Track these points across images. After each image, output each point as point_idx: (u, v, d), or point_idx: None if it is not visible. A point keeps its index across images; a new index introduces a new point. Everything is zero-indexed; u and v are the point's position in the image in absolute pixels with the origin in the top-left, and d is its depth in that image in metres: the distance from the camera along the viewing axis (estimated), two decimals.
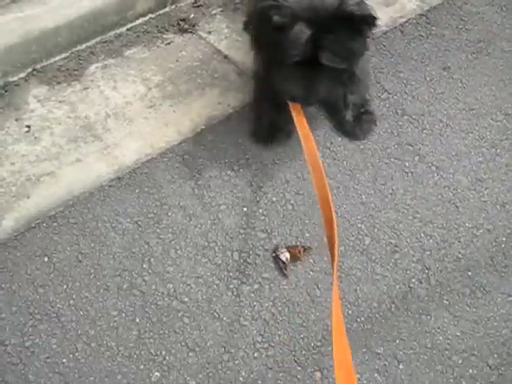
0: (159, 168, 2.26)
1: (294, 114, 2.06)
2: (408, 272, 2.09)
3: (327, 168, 2.30)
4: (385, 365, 1.91)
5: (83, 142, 2.29)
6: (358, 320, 1.99)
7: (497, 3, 2.93)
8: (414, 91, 2.56)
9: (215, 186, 2.22)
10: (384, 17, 2.78)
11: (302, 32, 1.82)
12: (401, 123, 2.46)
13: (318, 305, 2.01)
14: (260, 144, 2.34)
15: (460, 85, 2.60)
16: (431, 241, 2.16)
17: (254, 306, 1.99)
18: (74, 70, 2.47)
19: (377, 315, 2.00)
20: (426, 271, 2.10)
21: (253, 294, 2.02)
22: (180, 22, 2.65)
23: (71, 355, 1.86)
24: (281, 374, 1.87)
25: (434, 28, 2.79)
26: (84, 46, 2.52)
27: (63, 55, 2.47)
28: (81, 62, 2.50)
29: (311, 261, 2.10)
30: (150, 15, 2.65)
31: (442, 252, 2.13)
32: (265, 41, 1.93)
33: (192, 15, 2.69)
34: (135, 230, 2.11)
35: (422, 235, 2.18)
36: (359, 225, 2.18)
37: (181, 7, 2.71)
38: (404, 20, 2.79)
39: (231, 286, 2.02)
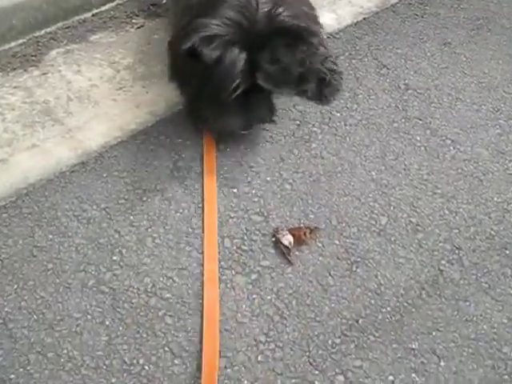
0: (130, 151, 1.85)
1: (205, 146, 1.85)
2: (435, 253, 1.68)
3: (327, 144, 1.93)
4: (422, 362, 1.46)
5: (41, 127, 1.88)
6: (383, 310, 1.55)
7: None
8: (415, 66, 2.22)
9: (198, 166, 1.83)
10: None
11: (238, 58, 1.56)
12: (405, 97, 2.11)
13: (333, 295, 1.57)
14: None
15: (464, 59, 2.28)
16: (457, 218, 1.77)
17: (254, 299, 1.55)
18: (32, 56, 2.08)
19: (405, 304, 1.57)
20: (457, 251, 1.69)
21: (251, 286, 1.58)
22: (151, 7, 2.33)
23: (22, 369, 1.37)
24: (294, 381, 1.42)
25: (427, 8, 2.49)
26: (43, 31, 2.15)
27: (20, 41, 2.10)
28: (39, 48, 2.12)
29: (319, 244, 1.68)
30: (118, 1, 2.32)
31: (472, 230, 1.73)
32: (195, 80, 1.65)
33: (164, 0, 2.39)
34: (103, 218, 1.68)
35: (447, 212, 1.79)
36: (372, 203, 1.79)
37: None
38: (395, 1, 2.50)
39: (223, 278, 1.58)
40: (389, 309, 1.56)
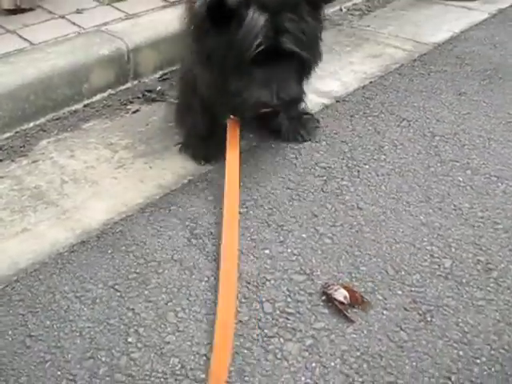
0: (138, 224, 1.59)
1: (229, 138, 1.70)
2: None
3: (362, 195, 1.70)
4: None
5: (32, 211, 1.63)
6: (479, 361, 1.22)
7: (488, 42, 2.64)
8: (435, 116, 2.06)
9: (219, 232, 1.58)
10: (375, 65, 2.42)
11: (259, 15, 1.46)
12: (434, 143, 1.93)
13: (411, 351, 1.24)
14: (195, 160, 1.86)
15: (484, 105, 2.14)
16: None
17: (314, 368, 1.21)
18: (20, 147, 1.89)
19: (502, 351, 1.25)
20: None
21: (307, 353, 1.25)
22: (146, 93, 2.19)
23: None
24: None
25: (432, 67, 2.41)
26: (32, 124, 1.98)
27: (6, 134, 1.91)
28: (28, 139, 1.93)
29: (379, 297, 1.37)
30: (110, 91, 2.18)
31: None
32: (215, 41, 1.52)
33: (159, 87, 2.26)
34: (111, 296, 1.37)
35: None
36: (429, 247, 1.51)
37: (145, 82, 2.26)
38: (398, 65, 2.41)
39: (271, 347, 1.26)
40: (484, 359, 1.23)
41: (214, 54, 1.56)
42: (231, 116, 1.76)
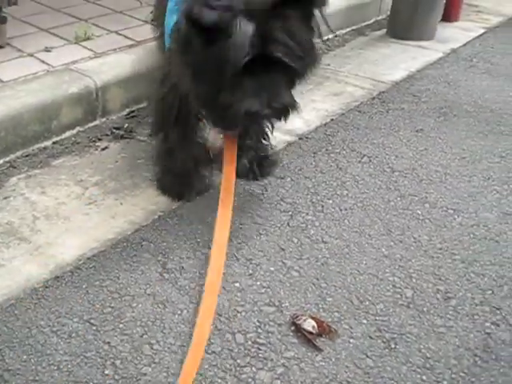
0: (111, 259, 1.65)
1: (226, 155, 1.76)
2: (476, 317, 1.50)
3: (327, 229, 1.80)
4: None
5: (5, 247, 1.66)
6: None
7: (442, 81, 2.83)
8: (394, 152, 2.21)
9: (190, 266, 1.63)
10: (336, 103, 2.57)
11: (245, 25, 1.47)
12: (394, 178, 2.06)
13: (377, 377, 1.33)
14: (169, 197, 1.93)
15: (440, 141, 2.30)
16: (486, 279, 1.62)
17: None
18: None
19: (462, 374, 1.35)
20: (498, 311, 1.51)
21: (279, 381, 1.31)
22: (114, 131, 2.27)
23: None
24: None
25: (390, 104, 2.57)
26: (1, 160, 2.02)
27: None
28: None
29: (346, 326, 1.47)
30: (79, 128, 2.24)
31: (506, 288, 1.58)
32: (199, 55, 1.53)
33: (127, 125, 2.33)
34: (87, 330, 1.42)
35: (473, 275, 1.64)
36: (391, 278, 1.62)
37: (113, 119, 2.33)
38: (358, 103, 2.56)
39: (243, 377, 1.32)
40: (445, 383, 1.33)
41: (201, 66, 1.57)
42: (224, 131, 1.80)
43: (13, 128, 2.05)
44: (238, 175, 1.97)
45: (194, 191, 1.93)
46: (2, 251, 1.67)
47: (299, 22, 1.57)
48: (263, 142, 2.07)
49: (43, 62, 2.39)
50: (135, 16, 2.90)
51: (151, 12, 2.78)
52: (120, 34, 2.68)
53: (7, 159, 2.06)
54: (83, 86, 2.23)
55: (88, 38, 2.57)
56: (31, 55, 2.43)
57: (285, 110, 1.63)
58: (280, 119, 1.68)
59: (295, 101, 1.65)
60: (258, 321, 1.48)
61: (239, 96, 1.55)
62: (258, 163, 2.06)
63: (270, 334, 1.44)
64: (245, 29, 1.49)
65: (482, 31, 3.66)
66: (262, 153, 2.08)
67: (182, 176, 1.93)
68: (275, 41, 1.52)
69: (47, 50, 2.46)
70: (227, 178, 1.75)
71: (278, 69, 1.56)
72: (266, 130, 2.04)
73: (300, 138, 2.30)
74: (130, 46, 2.57)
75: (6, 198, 1.90)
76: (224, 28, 1.48)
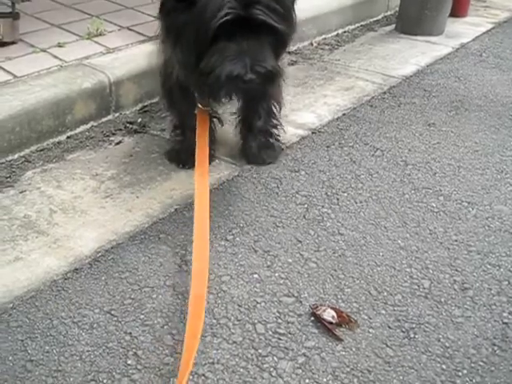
0: (130, 251, 1.66)
1: (198, 129, 1.78)
2: (493, 307, 1.51)
3: (343, 221, 1.81)
4: None
5: (23, 240, 1.68)
6: (460, 374, 1.33)
7: (453, 75, 2.84)
8: (407, 145, 2.22)
9: (209, 258, 1.66)
10: (347, 98, 2.58)
11: None
12: (407, 172, 2.07)
13: (397, 366, 1.34)
14: (174, 164, 2.07)
15: (452, 135, 2.32)
16: (502, 270, 1.63)
17: None
18: (6, 178, 1.95)
19: (481, 363, 1.36)
20: None
21: (300, 370, 1.33)
22: (128, 125, 2.28)
23: None
24: None
25: (401, 99, 2.58)
26: (17, 155, 2.04)
27: None
28: (14, 170, 1.99)
29: (365, 316, 1.48)
30: (93, 123, 2.26)
31: None
32: (181, 19, 1.54)
33: (140, 119, 2.35)
34: (108, 321, 1.43)
35: (489, 266, 1.65)
36: (408, 269, 1.63)
37: (126, 114, 2.35)
38: (369, 98, 2.57)
39: (265, 366, 1.34)
40: (465, 371, 1.34)
41: (182, 31, 1.57)
42: (200, 106, 1.82)
43: (28, 123, 2.06)
44: (248, 160, 2.09)
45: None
46: (21, 244, 1.69)
47: None
48: (271, 124, 2.08)
49: (56, 57, 2.40)
50: (146, 12, 2.92)
51: None
52: (132, 30, 2.70)
53: (22, 154, 2.08)
54: (97, 81, 2.25)
55: (100, 34, 2.59)
56: (44, 51, 2.45)
57: (269, 74, 1.60)
58: (263, 84, 1.64)
59: (279, 66, 1.65)
60: (278, 311, 1.49)
61: (220, 60, 1.54)
62: (266, 148, 2.09)
63: (290, 325, 1.46)
64: None
65: (491, 26, 3.67)
66: (269, 138, 2.10)
67: (186, 146, 2.00)
68: (258, 3, 1.51)
69: (60, 45, 2.48)
70: (201, 149, 1.74)
71: (262, 32, 1.55)
72: (274, 109, 2.06)
73: (313, 132, 2.31)
74: (142, 42, 2.59)
75: (22, 191, 1.91)
76: None
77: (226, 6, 1.47)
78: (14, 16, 2.46)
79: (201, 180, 1.66)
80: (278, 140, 2.14)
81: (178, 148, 2.07)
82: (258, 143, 2.08)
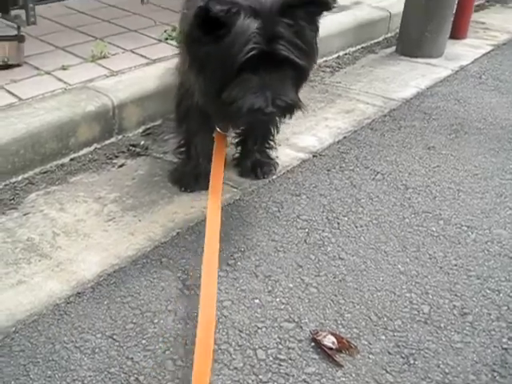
0: (132, 276, 1.68)
1: (215, 155, 1.82)
2: (493, 333, 1.52)
3: (343, 246, 1.83)
4: None
5: (26, 263, 1.70)
6: None
7: (452, 98, 2.88)
8: (407, 169, 2.25)
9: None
10: (348, 121, 2.61)
11: (250, 21, 1.53)
12: (408, 195, 2.09)
13: None
14: (177, 186, 2.09)
15: (452, 158, 2.35)
16: (501, 295, 1.65)
17: None
18: (10, 200, 1.97)
19: None
20: None
21: None
22: (130, 148, 2.31)
23: None
24: None
25: (402, 122, 2.62)
26: (20, 177, 2.07)
27: None
28: (17, 192, 2.01)
29: (365, 342, 1.49)
30: (96, 145, 2.29)
31: None
32: (207, 51, 1.58)
33: (143, 142, 2.37)
34: (110, 346, 1.45)
35: (488, 291, 1.67)
36: (408, 294, 1.65)
37: (129, 136, 2.38)
38: (369, 121, 2.61)
39: None
40: None
41: (206, 61, 1.62)
42: (218, 130, 1.88)
43: (32, 146, 2.09)
44: (242, 175, 2.18)
45: (201, 183, 2.01)
46: (24, 267, 1.71)
47: (304, 21, 1.62)
48: (267, 146, 2.17)
49: (60, 80, 2.44)
50: (149, 35, 2.97)
51: (165, 31, 2.86)
52: (135, 53, 2.74)
53: (26, 176, 2.10)
54: (100, 104, 2.28)
55: (104, 57, 2.63)
56: (48, 73, 2.49)
57: (289, 107, 1.66)
58: (284, 117, 1.72)
59: (299, 99, 1.70)
60: (279, 337, 1.51)
61: (243, 93, 1.59)
62: (260, 165, 2.17)
63: (290, 350, 1.47)
64: (248, 25, 1.54)
65: (490, 48, 3.72)
66: (264, 157, 2.19)
67: (190, 169, 2.05)
68: (282, 38, 1.56)
69: (64, 68, 2.52)
70: (215, 177, 1.78)
71: (284, 66, 1.60)
72: (270, 135, 2.15)
73: (314, 156, 2.34)
74: (145, 65, 2.62)
75: (25, 214, 1.93)
76: (228, 24, 1.53)
77: (252, 40, 1.52)
78: (20, 39, 2.50)
79: (213, 207, 1.70)
80: (272, 158, 2.21)
81: (182, 170, 2.10)
82: (252, 160, 2.17)
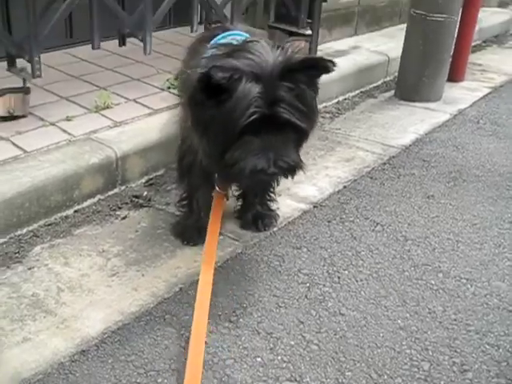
0: (135, 333, 1.72)
1: (212, 215, 1.89)
2: None
3: (344, 301, 1.87)
4: None
5: (31, 320, 1.73)
6: None
7: (451, 144, 2.95)
8: (407, 219, 2.30)
9: (213, 340, 1.69)
10: (348, 169, 2.68)
11: (252, 86, 1.59)
12: (407, 247, 2.14)
13: None
14: (180, 240, 2.15)
15: (450, 207, 2.40)
16: (501, 351, 1.69)
17: None
18: (15, 253, 2.02)
19: None
20: None
21: None
22: (133, 199, 2.36)
23: None
24: None
25: (401, 170, 2.68)
26: (25, 229, 2.12)
27: (0, 240, 2.04)
28: (22, 245, 2.06)
29: None
30: (99, 196, 2.34)
31: None
32: (209, 114, 1.64)
33: (145, 193, 2.43)
34: None
35: (487, 347, 1.70)
36: (408, 351, 1.68)
37: (132, 187, 2.44)
38: (369, 169, 2.68)
39: None
40: None
41: (210, 124, 1.68)
42: (218, 189, 1.95)
43: (37, 199, 2.15)
44: (243, 227, 2.25)
45: (203, 236, 1.98)
46: (29, 324, 1.74)
47: (305, 84, 1.68)
48: (268, 198, 2.24)
49: (65, 131, 2.51)
50: (152, 83, 3.05)
51: (167, 80, 2.94)
52: (138, 102, 2.82)
53: (30, 228, 2.15)
54: (104, 157, 2.34)
55: (107, 107, 2.70)
56: (53, 124, 2.56)
57: (291, 168, 1.72)
58: (286, 177, 1.78)
59: (301, 160, 1.76)
60: None
61: (245, 154, 1.65)
62: (261, 218, 2.24)
63: None
64: (249, 89, 1.60)
65: (487, 91, 3.82)
66: (265, 209, 2.25)
67: (192, 222, 2.11)
68: (283, 102, 1.63)
69: (68, 119, 2.59)
70: (211, 236, 1.84)
71: (285, 129, 1.67)
72: (271, 189, 2.22)
73: (314, 206, 2.40)
74: (148, 115, 2.70)
75: (30, 268, 1.98)
76: (231, 88, 1.59)
77: (254, 104, 1.58)
78: (26, 91, 2.58)
79: (206, 269, 1.76)
80: (273, 210, 2.27)
81: (184, 223, 2.16)
82: (253, 213, 2.23)
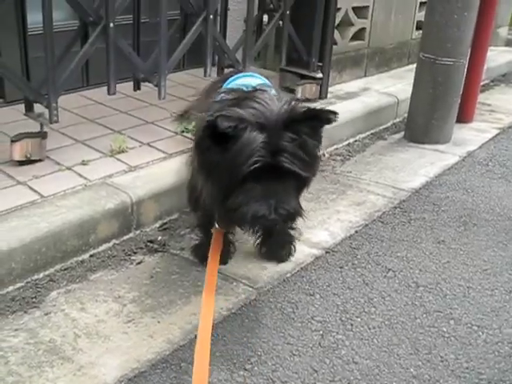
0: (151, 381, 1.76)
1: (211, 251, 1.99)
2: None
3: (357, 349, 1.91)
4: None
5: (49, 367, 1.79)
6: None
7: (461, 187, 3.02)
8: (418, 265, 2.36)
9: None
10: (359, 213, 2.75)
11: (255, 135, 1.70)
12: (419, 294, 2.19)
13: None
14: (196, 259, 2.35)
15: (461, 252, 2.46)
16: None
17: None
18: (32, 298, 2.07)
19: None
20: None
21: None
22: (148, 244, 2.43)
23: None
24: None
25: (412, 214, 2.75)
26: (42, 274, 2.18)
27: (18, 284, 2.11)
28: (39, 290, 2.12)
29: None
30: (115, 241, 2.41)
31: None
32: (215, 160, 1.76)
33: (160, 237, 2.50)
34: None
35: None
36: None
37: (146, 232, 2.51)
38: (380, 213, 2.75)
39: None
40: None
41: (214, 169, 1.79)
42: (217, 226, 2.06)
43: (53, 244, 2.22)
44: (265, 258, 2.38)
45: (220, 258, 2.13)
46: (47, 371, 1.79)
47: (307, 135, 1.78)
48: (291, 227, 2.31)
49: (81, 175, 2.60)
50: (166, 127, 3.15)
51: (181, 123, 3.03)
52: (152, 146, 2.92)
53: (47, 273, 2.22)
54: (119, 202, 2.42)
55: (122, 151, 2.79)
56: (69, 168, 2.65)
57: (291, 215, 1.83)
58: (286, 224, 1.93)
59: (301, 207, 1.87)
60: None
61: (247, 200, 1.76)
62: (282, 248, 2.35)
63: None
64: (254, 138, 1.70)
65: (496, 132, 3.91)
66: (287, 240, 2.34)
67: (207, 245, 2.17)
68: (285, 151, 1.73)
69: (84, 163, 2.68)
70: (210, 273, 1.93)
71: (287, 177, 1.77)
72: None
73: (327, 252, 2.46)
74: (162, 159, 2.79)
75: (46, 314, 2.04)
76: (236, 137, 1.70)
77: (257, 153, 1.69)
78: (43, 135, 2.67)
79: (207, 302, 1.83)
80: (293, 240, 2.36)
81: (201, 245, 2.31)
82: (272, 242, 2.33)
